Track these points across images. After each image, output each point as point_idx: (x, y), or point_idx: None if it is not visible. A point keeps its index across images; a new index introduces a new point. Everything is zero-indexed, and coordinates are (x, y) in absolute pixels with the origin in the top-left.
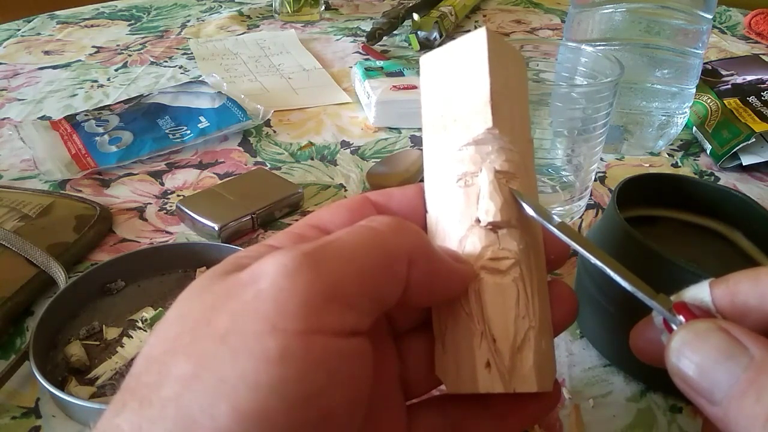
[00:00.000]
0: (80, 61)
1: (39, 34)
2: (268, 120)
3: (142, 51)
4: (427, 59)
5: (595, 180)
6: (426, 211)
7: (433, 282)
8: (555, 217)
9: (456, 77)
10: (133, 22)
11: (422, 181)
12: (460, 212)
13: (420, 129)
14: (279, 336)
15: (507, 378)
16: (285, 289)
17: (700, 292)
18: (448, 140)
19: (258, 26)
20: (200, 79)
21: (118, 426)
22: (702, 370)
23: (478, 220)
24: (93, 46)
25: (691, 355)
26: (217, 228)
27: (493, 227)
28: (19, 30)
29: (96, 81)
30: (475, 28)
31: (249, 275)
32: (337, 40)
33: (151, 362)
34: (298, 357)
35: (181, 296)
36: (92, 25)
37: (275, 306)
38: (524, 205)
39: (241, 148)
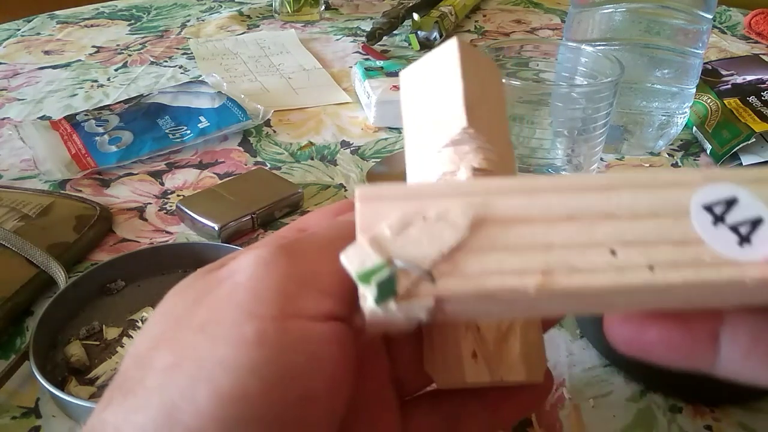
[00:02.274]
0: (80, 61)
1: (39, 34)
2: (268, 120)
3: (142, 51)
4: (405, 73)
5: None
6: None
7: None
8: None
9: (433, 85)
10: (133, 21)
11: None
12: None
13: None
14: (255, 321)
15: (493, 367)
16: (260, 279)
17: None
18: (428, 144)
19: (258, 26)
20: (200, 79)
21: (104, 420)
22: None
23: None
24: (93, 46)
25: None
26: (217, 228)
27: None
28: (19, 30)
29: (96, 81)
30: (476, 28)
31: (227, 270)
32: (337, 40)
33: (137, 359)
34: (275, 339)
35: (165, 296)
36: (92, 25)
37: (251, 294)
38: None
39: (241, 148)
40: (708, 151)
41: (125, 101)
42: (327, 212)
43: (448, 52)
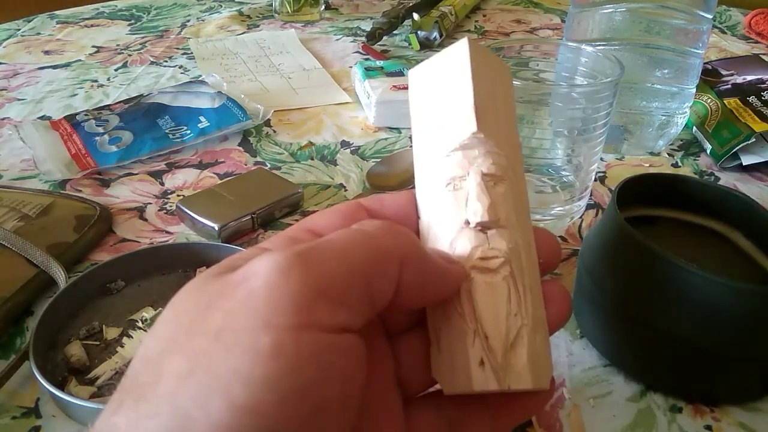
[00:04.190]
0: (80, 60)
1: (39, 33)
2: (268, 120)
3: (142, 51)
4: (414, 72)
5: (595, 180)
6: (418, 217)
7: (424, 283)
8: None
9: (442, 87)
10: (133, 21)
11: (413, 187)
12: (450, 216)
13: None
14: (271, 331)
15: (501, 375)
16: (277, 287)
17: None
18: (437, 147)
19: (258, 26)
20: (200, 78)
21: (115, 424)
22: None
23: (467, 222)
24: (93, 46)
25: None
26: (217, 228)
27: (482, 228)
28: (19, 30)
29: (96, 81)
30: (476, 28)
31: (242, 274)
32: (337, 39)
33: (147, 362)
34: (290, 351)
35: (175, 297)
36: (92, 25)
37: (267, 303)
38: None
39: (241, 148)
40: (708, 151)
41: (125, 101)
42: (334, 213)
43: (459, 52)
